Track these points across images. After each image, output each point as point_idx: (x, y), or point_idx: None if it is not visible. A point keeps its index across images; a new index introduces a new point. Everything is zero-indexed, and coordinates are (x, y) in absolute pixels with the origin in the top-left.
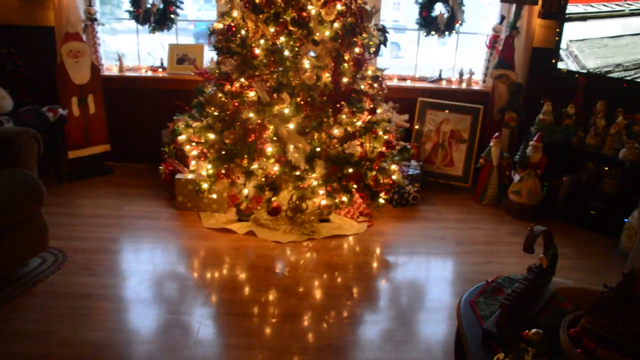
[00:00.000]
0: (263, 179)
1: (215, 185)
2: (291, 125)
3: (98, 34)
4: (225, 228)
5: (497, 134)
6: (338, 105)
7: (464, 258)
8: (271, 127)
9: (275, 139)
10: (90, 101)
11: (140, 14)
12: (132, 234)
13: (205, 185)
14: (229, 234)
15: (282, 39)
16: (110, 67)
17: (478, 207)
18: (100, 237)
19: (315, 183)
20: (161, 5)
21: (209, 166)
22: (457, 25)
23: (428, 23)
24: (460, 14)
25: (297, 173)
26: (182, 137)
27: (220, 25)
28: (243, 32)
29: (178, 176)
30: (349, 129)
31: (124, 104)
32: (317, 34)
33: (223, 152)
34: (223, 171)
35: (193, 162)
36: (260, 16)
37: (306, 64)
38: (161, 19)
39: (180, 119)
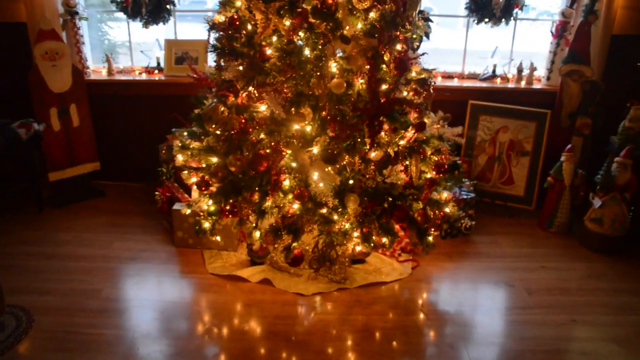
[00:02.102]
0: (279, 219)
1: (219, 225)
2: (315, 149)
3: (81, 30)
4: (234, 275)
5: (569, 146)
6: (376, 122)
7: (540, 315)
8: (288, 152)
9: (294, 166)
10: (73, 112)
11: (129, 5)
12: (119, 283)
13: (206, 225)
14: (240, 282)
15: (301, 34)
16: (98, 70)
17: (545, 236)
18: (79, 290)
19: (347, 225)
20: None
21: (210, 202)
22: (516, 11)
23: (480, 8)
24: None
25: (324, 211)
26: (179, 159)
27: (222, 18)
28: (250, 26)
29: (176, 206)
30: (390, 150)
31: (114, 113)
32: (347, 27)
33: (227, 183)
34: (228, 207)
35: (195, 187)
36: (272, 5)
37: (333, 67)
38: (154, 10)
39: (177, 136)
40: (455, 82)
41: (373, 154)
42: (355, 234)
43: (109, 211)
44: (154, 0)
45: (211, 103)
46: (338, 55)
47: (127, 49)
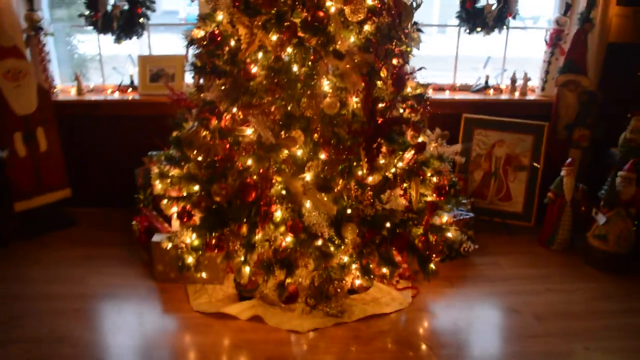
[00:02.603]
0: (271, 253)
1: (204, 259)
2: (308, 176)
3: (47, 46)
4: (221, 312)
5: (569, 159)
6: (374, 145)
7: (552, 344)
8: (279, 180)
9: (284, 193)
10: (40, 136)
11: (99, 19)
12: (96, 326)
13: (190, 260)
14: (228, 320)
15: (290, 50)
16: (67, 89)
17: (546, 254)
18: (49, 336)
19: (346, 258)
20: (126, 7)
21: (194, 236)
22: (508, 19)
23: (473, 17)
24: (514, 5)
25: (319, 243)
26: (157, 187)
27: (201, 33)
28: (233, 42)
29: (156, 238)
30: (388, 174)
31: (86, 136)
32: (340, 42)
33: (212, 213)
34: (213, 241)
35: (176, 216)
36: (257, 19)
37: (325, 85)
38: (127, 25)
39: (154, 162)
40: (447, 95)
41: (370, 178)
42: (354, 265)
43: (82, 242)
44: (125, 13)
45: (192, 127)
46: (330, 72)
47: (98, 62)
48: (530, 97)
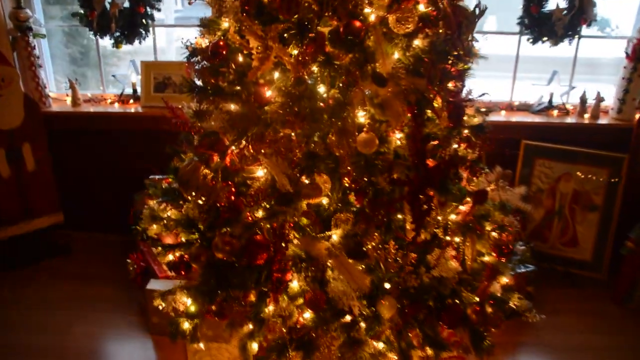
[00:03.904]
0: (284, 331)
1: (203, 324)
2: (334, 236)
3: (36, 49)
4: None
5: None
6: (423, 198)
7: None
8: (297, 237)
9: (304, 258)
10: (26, 153)
11: (95, 19)
12: None
13: (186, 325)
14: None
15: (315, 70)
16: (62, 98)
17: (624, 316)
18: None
19: (381, 345)
20: (126, 4)
21: (189, 300)
22: (582, 27)
23: (538, 23)
24: (590, 10)
25: (348, 319)
26: (151, 229)
27: (205, 42)
28: (241, 57)
29: (151, 285)
30: (438, 231)
31: (81, 153)
32: (381, 60)
33: (212, 272)
34: (213, 307)
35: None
36: (273, 28)
37: (361, 117)
38: (127, 26)
39: (149, 197)
40: (502, 116)
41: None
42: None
43: (73, 276)
44: (125, 13)
45: (189, 162)
46: (367, 99)
47: (117, 59)
48: (603, 120)
